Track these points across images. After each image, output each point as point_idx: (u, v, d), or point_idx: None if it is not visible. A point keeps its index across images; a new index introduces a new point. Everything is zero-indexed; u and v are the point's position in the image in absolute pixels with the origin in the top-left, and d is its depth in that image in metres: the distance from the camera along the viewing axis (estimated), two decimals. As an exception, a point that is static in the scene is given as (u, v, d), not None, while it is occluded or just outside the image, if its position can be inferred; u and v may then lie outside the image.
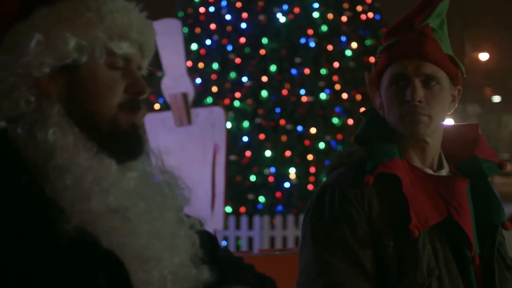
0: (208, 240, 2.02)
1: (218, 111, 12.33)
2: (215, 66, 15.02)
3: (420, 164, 2.62)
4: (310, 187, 14.41)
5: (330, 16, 15.11)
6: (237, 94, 14.72)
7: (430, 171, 2.62)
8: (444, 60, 2.60)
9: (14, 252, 1.58)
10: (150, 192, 1.86)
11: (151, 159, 1.91)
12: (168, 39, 11.94)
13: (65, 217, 1.68)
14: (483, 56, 24.85)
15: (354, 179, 2.54)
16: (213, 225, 12.20)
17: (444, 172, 2.66)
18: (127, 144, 1.83)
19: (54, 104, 1.79)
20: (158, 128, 12.31)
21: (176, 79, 11.99)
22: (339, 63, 14.87)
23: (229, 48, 15.05)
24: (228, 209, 14.11)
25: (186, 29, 15.17)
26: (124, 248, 1.74)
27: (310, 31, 14.91)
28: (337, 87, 14.85)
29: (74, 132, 1.78)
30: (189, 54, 14.91)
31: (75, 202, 1.72)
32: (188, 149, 12.43)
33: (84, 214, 1.72)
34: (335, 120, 14.73)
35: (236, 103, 14.70)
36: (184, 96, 11.94)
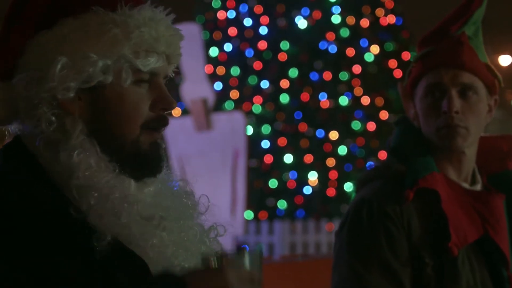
0: None
1: (238, 116, 12.30)
2: (235, 71, 14.99)
3: (455, 177, 2.55)
4: (330, 192, 14.35)
5: (350, 20, 15.04)
6: (257, 99, 14.68)
7: (466, 185, 2.55)
8: (481, 69, 2.53)
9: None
10: (169, 202, 1.83)
11: (169, 169, 1.88)
12: (188, 44, 11.92)
13: (97, 235, 1.68)
14: (504, 60, 24.70)
15: (393, 194, 2.47)
16: (234, 231, 12.20)
17: (479, 186, 2.59)
18: (147, 164, 1.79)
19: (77, 123, 1.75)
20: (177, 133, 12.29)
21: (196, 84, 11.96)
22: (360, 68, 14.80)
23: (249, 53, 15.01)
24: (249, 214, 14.06)
25: (206, 35, 15.15)
26: (151, 255, 1.74)
27: (330, 36, 14.85)
28: (358, 91, 14.77)
29: (96, 152, 1.74)
30: (208, 59, 14.90)
31: (103, 217, 1.71)
32: (207, 155, 12.41)
33: (114, 226, 1.71)
34: (355, 125, 14.66)
35: (256, 108, 14.66)
36: (204, 101, 11.91)
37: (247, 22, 15.15)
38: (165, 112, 1.82)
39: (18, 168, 1.72)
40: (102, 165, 1.74)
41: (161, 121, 1.81)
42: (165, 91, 1.82)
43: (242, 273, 1.68)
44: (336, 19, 14.96)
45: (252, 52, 14.98)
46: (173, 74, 1.91)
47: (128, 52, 1.76)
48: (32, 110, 1.75)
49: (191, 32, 11.80)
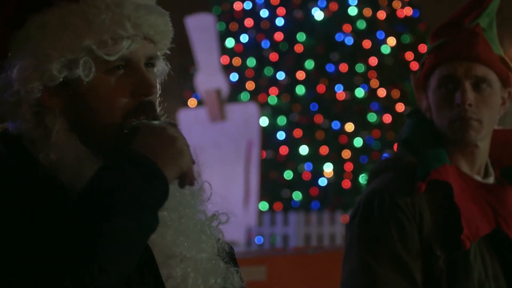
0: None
1: (252, 107, 12.30)
2: (251, 62, 14.98)
3: (468, 170, 2.53)
4: (345, 184, 14.33)
5: (367, 12, 15.00)
6: (273, 91, 14.67)
7: (478, 178, 2.54)
8: (495, 61, 2.51)
9: None
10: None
11: None
12: (202, 34, 11.91)
13: None
14: (521, 53, 24.66)
15: (404, 186, 2.45)
16: (247, 221, 12.21)
17: (492, 179, 2.57)
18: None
19: (56, 119, 1.72)
20: (192, 124, 12.31)
21: (210, 75, 11.97)
22: (376, 60, 14.76)
23: (265, 44, 15.00)
24: (264, 205, 14.08)
25: (222, 26, 15.15)
26: (152, 245, 1.72)
27: (347, 28, 14.82)
28: (374, 83, 14.74)
29: (77, 146, 1.71)
30: (224, 50, 14.89)
31: None
32: (221, 146, 12.41)
33: None
34: (371, 117, 14.63)
35: (272, 100, 14.65)
36: (218, 92, 11.92)
37: (264, 13, 15.13)
38: (147, 98, 1.74)
39: (20, 166, 1.70)
40: (86, 158, 1.71)
41: (143, 107, 1.73)
42: (143, 76, 1.73)
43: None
44: (352, 11, 14.92)
45: (268, 43, 14.96)
46: (169, 52, 1.83)
47: (91, 42, 1.70)
48: (14, 109, 1.74)
49: (205, 23, 11.81)
